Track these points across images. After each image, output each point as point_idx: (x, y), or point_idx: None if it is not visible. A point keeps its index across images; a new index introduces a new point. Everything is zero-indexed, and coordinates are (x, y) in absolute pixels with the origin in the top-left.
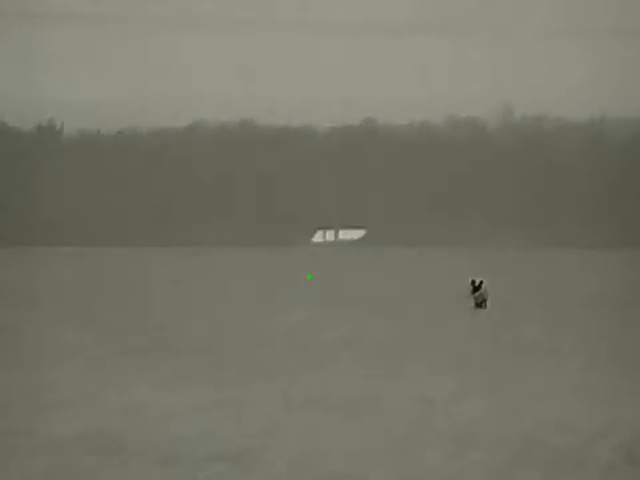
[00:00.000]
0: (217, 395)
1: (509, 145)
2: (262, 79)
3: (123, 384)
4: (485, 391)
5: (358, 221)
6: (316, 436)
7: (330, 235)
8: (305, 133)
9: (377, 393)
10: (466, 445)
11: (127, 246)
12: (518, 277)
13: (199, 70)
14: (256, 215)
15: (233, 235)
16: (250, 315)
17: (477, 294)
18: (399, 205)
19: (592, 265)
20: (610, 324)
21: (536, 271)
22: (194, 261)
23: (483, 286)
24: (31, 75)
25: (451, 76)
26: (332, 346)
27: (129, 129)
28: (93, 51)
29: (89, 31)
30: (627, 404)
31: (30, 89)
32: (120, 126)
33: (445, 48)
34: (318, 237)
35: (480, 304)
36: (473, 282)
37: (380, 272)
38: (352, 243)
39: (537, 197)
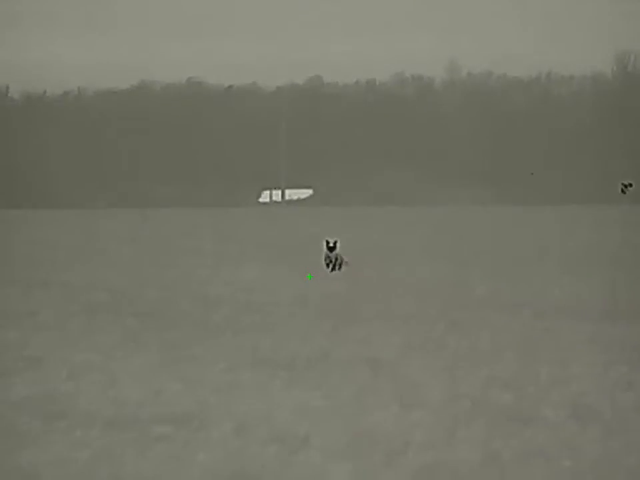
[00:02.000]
0: (164, 356)
1: (456, 102)
2: (207, 37)
3: (69, 347)
4: (431, 350)
5: (305, 181)
6: (262, 396)
7: (276, 195)
8: (251, 91)
9: (325, 353)
10: (411, 406)
11: (77, 208)
12: (465, 234)
13: (145, 30)
14: (206, 175)
15: (183, 195)
16: (199, 275)
17: (331, 253)
18: (347, 164)
19: (538, 221)
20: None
21: (482, 228)
22: (143, 221)
23: (338, 246)
24: None
25: (396, 33)
26: (281, 305)
27: (75, 90)
28: (39, 11)
29: None
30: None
31: None
32: (66, 87)
33: (388, 3)
34: (264, 197)
35: (332, 265)
36: (327, 242)
37: (331, 231)
38: (302, 202)
39: (484, 155)
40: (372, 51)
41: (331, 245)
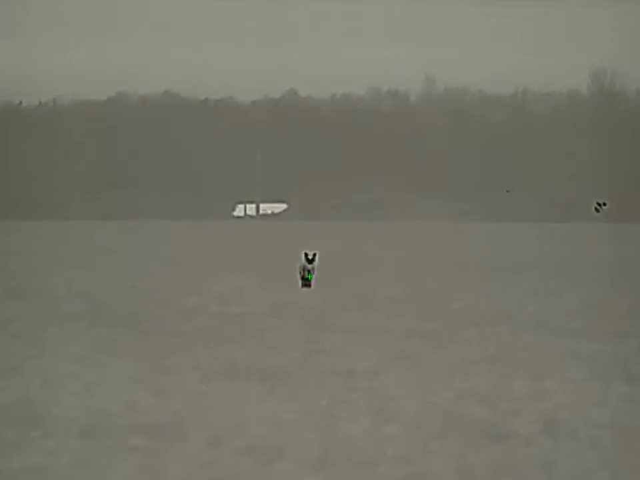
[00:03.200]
0: (138, 366)
1: (432, 117)
2: (183, 50)
3: (44, 355)
4: (406, 363)
5: (280, 195)
6: (236, 408)
7: (250, 209)
8: (227, 105)
9: (299, 364)
10: (384, 419)
11: (53, 219)
12: (440, 249)
13: (121, 42)
14: (181, 188)
15: (159, 206)
16: (174, 286)
17: (309, 265)
18: (322, 178)
19: (514, 237)
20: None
21: (458, 243)
22: (118, 232)
23: (316, 259)
24: None
25: (372, 48)
26: (255, 317)
27: (51, 101)
28: (12, 21)
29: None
30: (551, 373)
31: None
32: (42, 97)
33: (365, 17)
34: (239, 211)
35: (305, 279)
36: (306, 254)
37: (306, 244)
38: (277, 216)
39: (461, 170)
40: (348, 65)
41: (310, 257)
